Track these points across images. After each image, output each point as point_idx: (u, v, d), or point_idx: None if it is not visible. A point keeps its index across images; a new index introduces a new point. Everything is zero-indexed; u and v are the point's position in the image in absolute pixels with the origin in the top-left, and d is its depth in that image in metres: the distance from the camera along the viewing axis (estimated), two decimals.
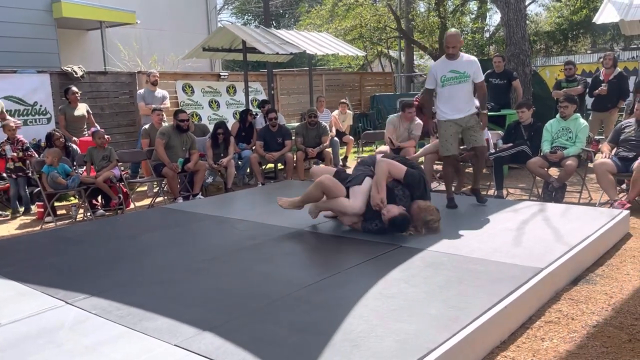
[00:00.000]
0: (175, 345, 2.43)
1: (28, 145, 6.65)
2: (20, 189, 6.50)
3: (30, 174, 6.45)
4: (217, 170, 7.38)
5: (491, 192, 6.35)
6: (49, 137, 6.53)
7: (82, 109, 7.76)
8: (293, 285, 3.20)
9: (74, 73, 8.58)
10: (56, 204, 6.54)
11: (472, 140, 5.15)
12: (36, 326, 2.71)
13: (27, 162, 6.49)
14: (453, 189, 6.59)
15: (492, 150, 6.53)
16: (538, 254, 3.51)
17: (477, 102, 5.28)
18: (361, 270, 3.37)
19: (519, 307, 2.90)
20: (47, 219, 6.10)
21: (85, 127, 7.81)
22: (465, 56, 5.05)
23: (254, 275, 3.36)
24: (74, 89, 7.70)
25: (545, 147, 5.93)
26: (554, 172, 6.06)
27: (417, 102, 8.59)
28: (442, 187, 7.34)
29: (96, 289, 3.17)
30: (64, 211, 6.67)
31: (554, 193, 5.81)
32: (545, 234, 3.99)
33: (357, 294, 2.93)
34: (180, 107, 9.61)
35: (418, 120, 7.43)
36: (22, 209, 6.67)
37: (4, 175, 7.02)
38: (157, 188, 7.28)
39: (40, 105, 8.21)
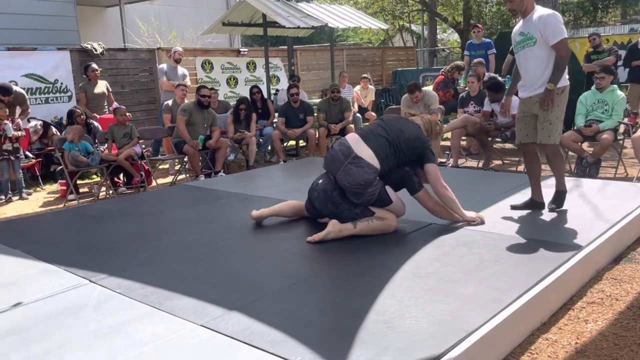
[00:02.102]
0: (201, 325, 2.34)
1: (21, 127, 6.41)
2: (15, 172, 6.23)
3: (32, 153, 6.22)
4: (238, 148, 7.27)
5: (521, 168, 6.13)
6: (70, 114, 6.47)
7: (102, 86, 7.69)
8: (321, 263, 3.10)
9: (93, 50, 8.51)
10: (78, 181, 6.51)
11: (530, 133, 3.86)
12: (60, 305, 2.64)
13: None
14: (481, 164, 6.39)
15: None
16: (577, 232, 3.33)
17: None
18: (392, 248, 3.24)
19: (560, 287, 2.75)
20: (70, 196, 6.08)
21: (105, 104, 7.76)
22: (538, 11, 3.72)
23: (280, 254, 3.26)
24: (94, 65, 7.63)
25: (580, 121, 5.68)
26: (586, 147, 5.82)
27: (443, 75, 8.36)
28: (468, 162, 7.15)
29: (119, 267, 3.09)
30: (86, 189, 6.64)
31: (587, 169, 5.59)
32: (584, 211, 3.80)
33: (389, 273, 2.80)
34: (198, 84, 9.50)
35: (431, 93, 7.18)
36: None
37: (28, 153, 7.02)
38: (179, 166, 7.21)
39: (61, 83, 8.17)
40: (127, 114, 7.07)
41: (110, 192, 6.24)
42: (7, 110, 6.14)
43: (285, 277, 2.85)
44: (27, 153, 6.97)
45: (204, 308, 2.50)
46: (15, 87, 6.67)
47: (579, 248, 3.05)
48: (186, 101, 7.20)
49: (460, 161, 6.96)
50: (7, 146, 6.05)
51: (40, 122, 7.28)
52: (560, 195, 3.85)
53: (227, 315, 2.41)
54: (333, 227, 3.34)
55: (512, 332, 2.38)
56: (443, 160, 6.88)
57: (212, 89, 8.24)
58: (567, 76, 3.73)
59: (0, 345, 2.28)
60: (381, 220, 3.44)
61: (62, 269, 3.15)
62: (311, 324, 2.31)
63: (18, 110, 6.72)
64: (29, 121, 7.30)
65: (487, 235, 3.35)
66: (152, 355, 2.13)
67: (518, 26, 3.86)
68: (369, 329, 2.22)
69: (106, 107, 7.72)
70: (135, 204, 4.90)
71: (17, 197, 6.24)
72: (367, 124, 9.85)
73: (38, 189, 6.83)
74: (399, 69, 13.74)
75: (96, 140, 6.40)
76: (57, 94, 8.12)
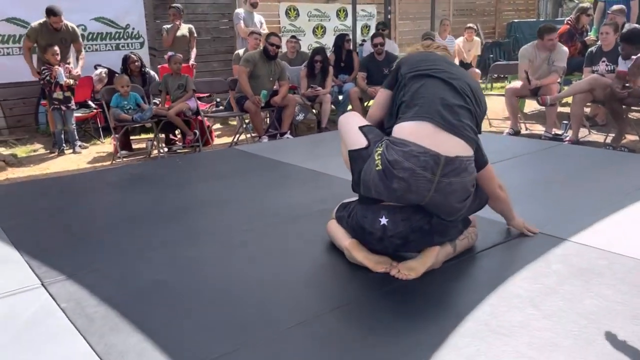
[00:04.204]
0: None
1: (74, 74, 5.87)
2: (68, 123, 5.80)
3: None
4: (310, 106, 6.34)
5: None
6: (125, 60, 5.87)
7: (184, 29, 7.11)
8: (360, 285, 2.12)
9: None
10: (136, 137, 5.98)
11: None
12: None
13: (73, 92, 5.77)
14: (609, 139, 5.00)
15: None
16: None
17: None
18: (483, 258, 2.20)
19: None
20: (123, 152, 5.55)
21: (188, 49, 7.19)
22: None
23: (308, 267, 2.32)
24: (176, 5, 7.14)
25: None
26: None
27: (568, 24, 6.78)
28: (592, 136, 5.70)
29: (90, 265, 2.33)
30: (143, 145, 6.10)
31: None
32: None
33: (476, 288, 1.79)
34: (282, 33, 8.62)
35: (562, 48, 5.72)
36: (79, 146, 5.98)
37: (90, 102, 6.59)
38: (242, 125, 6.45)
39: (133, 28, 7.65)
40: (193, 63, 6.40)
41: (164, 150, 5.62)
42: (59, 56, 5.65)
43: (358, 288, 1.92)
44: (90, 102, 6.55)
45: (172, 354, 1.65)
46: (66, 22, 6.16)
47: None
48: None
49: (581, 134, 5.53)
50: (58, 94, 5.59)
51: (106, 69, 6.81)
52: None
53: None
54: (437, 258, 2.15)
55: None
56: (559, 132, 5.50)
57: (293, 37, 7.35)
58: None
59: None
60: (474, 229, 2.35)
61: (25, 259, 2.44)
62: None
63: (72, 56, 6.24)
64: (96, 68, 6.87)
65: (616, 261, 2.18)
66: None
67: None
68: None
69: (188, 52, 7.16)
70: (169, 170, 4.15)
71: (70, 150, 5.83)
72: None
73: (97, 142, 6.41)
74: (515, 20, 11.96)
75: (149, 92, 5.76)
76: (129, 40, 7.62)
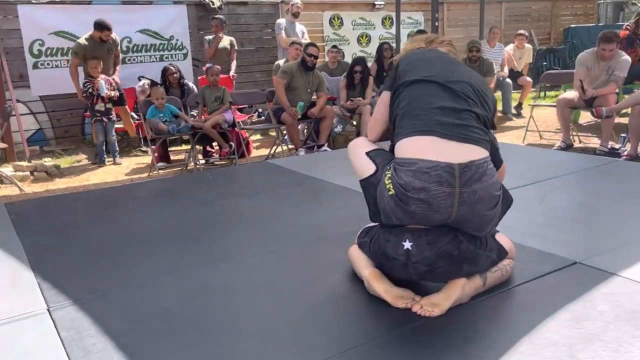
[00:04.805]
0: None
1: (119, 86, 5.91)
2: (108, 135, 5.86)
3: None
4: (349, 118, 6.17)
5: None
6: (164, 72, 5.90)
7: (225, 41, 7.14)
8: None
9: (211, 3, 7.91)
10: (173, 148, 5.99)
11: None
12: None
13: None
14: None
15: None
16: None
17: None
18: (517, 294, 1.98)
19: None
20: (160, 164, 5.56)
21: (228, 61, 7.21)
22: None
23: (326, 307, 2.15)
24: (218, 16, 7.19)
25: None
26: None
27: (627, 30, 6.34)
28: None
29: (100, 287, 2.25)
30: (182, 156, 6.10)
31: None
32: None
33: (507, 331, 1.57)
34: (325, 43, 8.52)
35: (624, 56, 5.32)
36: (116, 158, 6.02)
37: (133, 114, 6.68)
38: (279, 137, 6.35)
39: (177, 40, 7.73)
40: (233, 74, 6.37)
41: (200, 162, 5.59)
42: (101, 68, 5.73)
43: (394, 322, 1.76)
44: (133, 114, 6.64)
45: None
46: None
47: None
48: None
49: None
50: (100, 106, 5.66)
51: (149, 81, 6.89)
52: None
53: None
54: (463, 291, 1.92)
55: None
56: (616, 146, 5.10)
57: (334, 46, 7.23)
58: None
59: None
60: (510, 262, 2.11)
61: (37, 280, 2.39)
62: None
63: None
64: (139, 79, 6.97)
65: None
66: None
67: None
68: None
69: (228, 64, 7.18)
70: (199, 185, 4.06)
71: (110, 162, 5.89)
72: (521, 91, 8.08)
73: (139, 152, 6.48)
74: (573, 26, 11.40)
75: (187, 104, 5.76)
76: (173, 52, 7.70)
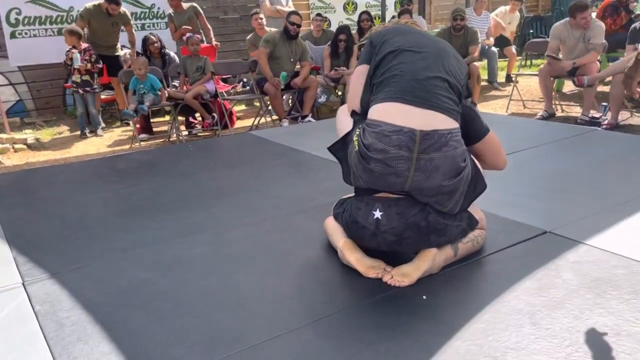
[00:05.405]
0: None
1: (96, 56, 5.85)
2: (89, 107, 5.81)
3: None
4: (333, 88, 6.14)
5: None
6: (144, 41, 5.80)
7: (186, 13, 6.95)
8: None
9: None
10: (156, 119, 5.94)
11: None
12: None
13: (95, 75, 5.76)
14: None
15: None
16: None
17: None
18: (487, 263, 2.02)
19: None
20: (142, 136, 5.52)
21: (199, 29, 7.03)
22: None
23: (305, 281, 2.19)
24: None
25: None
26: None
27: None
28: (635, 119, 5.29)
29: (76, 261, 2.27)
30: (165, 128, 6.06)
31: None
32: None
33: (474, 300, 1.62)
34: (310, 10, 8.40)
35: (598, 22, 5.30)
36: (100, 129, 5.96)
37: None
38: (263, 108, 6.31)
39: (158, 8, 7.56)
40: (216, 43, 6.28)
41: (183, 134, 5.55)
42: (80, 36, 5.62)
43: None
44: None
45: None
46: None
47: None
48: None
49: (621, 116, 5.15)
50: (76, 77, 5.58)
51: (129, 50, 6.77)
52: None
53: None
54: (433, 262, 1.97)
55: None
56: (597, 115, 5.13)
57: (318, 15, 7.13)
58: None
59: None
60: (482, 232, 2.16)
61: (13, 255, 2.40)
62: None
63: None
64: (121, 49, 6.84)
65: (638, 271, 1.95)
66: None
67: None
68: None
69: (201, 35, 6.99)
70: (180, 157, 4.05)
71: (92, 134, 5.84)
72: (507, 60, 8.05)
73: (123, 124, 6.41)
74: None
75: (168, 74, 5.68)
76: (154, 20, 7.55)
